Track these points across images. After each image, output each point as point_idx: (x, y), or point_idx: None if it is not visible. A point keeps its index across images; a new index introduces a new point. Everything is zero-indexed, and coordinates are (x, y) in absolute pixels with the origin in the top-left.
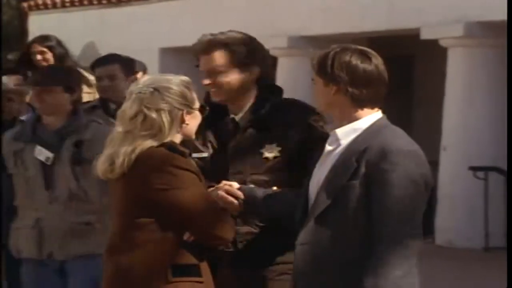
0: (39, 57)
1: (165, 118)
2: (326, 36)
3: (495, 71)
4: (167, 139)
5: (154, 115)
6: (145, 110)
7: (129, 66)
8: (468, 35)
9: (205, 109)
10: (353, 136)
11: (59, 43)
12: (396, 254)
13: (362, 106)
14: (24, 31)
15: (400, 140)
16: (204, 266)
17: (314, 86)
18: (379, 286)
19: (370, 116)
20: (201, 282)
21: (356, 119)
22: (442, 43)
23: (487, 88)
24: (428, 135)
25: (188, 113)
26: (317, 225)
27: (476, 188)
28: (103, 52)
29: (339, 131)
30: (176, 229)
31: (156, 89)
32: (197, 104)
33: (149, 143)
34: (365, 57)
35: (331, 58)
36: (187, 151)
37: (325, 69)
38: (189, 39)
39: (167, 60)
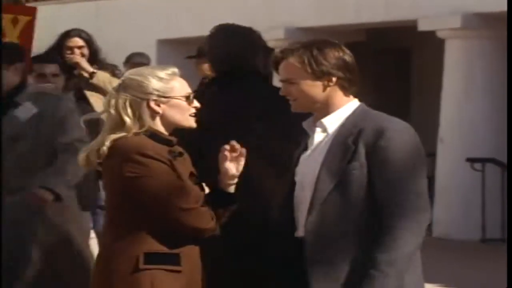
0: (77, 51)
1: (123, 109)
2: (323, 28)
3: (493, 63)
4: (142, 128)
5: (113, 111)
6: (107, 107)
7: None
8: (466, 27)
9: (191, 99)
10: (339, 123)
11: (91, 38)
12: (407, 228)
13: (348, 95)
14: None
15: (391, 119)
16: (188, 255)
17: (293, 87)
18: (392, 260)
19: (351, 103)
20: (178, 271)
21: (338, 107)
22: (440, 34)
23: (485, 80)
24: (425, 127)
25: (161, 102)
26: (323, 211)
27: (473, 179)
28: (99, 44)
29: (326, 121)
30: (151, 217)
31: (123, 81)
32: (175, 93)
33: (120, 133)
34: (340, 47)
35: (317, 54)
36: (172, 139)
37: (313, 67)
38: (186, 31)
39: (164, 52)
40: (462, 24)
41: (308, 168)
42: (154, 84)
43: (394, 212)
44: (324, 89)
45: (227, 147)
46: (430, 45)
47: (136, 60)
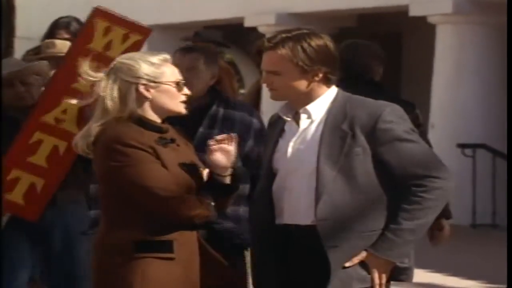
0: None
1: (110, 93)
2: (314, 13)
3: (484, 48)
4: (125, 113)
5: (102, 93)
6: (99, 92)
7: None
8: (457, 12)
9: (181, 85)
10: (323, 109)
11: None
12: (435, 200)
13: (330, 86)
14: (11, 8)
15: (379, 103)
16: (183, 242)
17: (277, 78)
18: (416, 229)
19: (330, 90)
20: (171, 259)
21: (320, 96)
22: (431, 20)
23: (476, 65)
24: None
25: (150, 87)
26: (331, 198)
27: (464, 165)
28: None
29: (311, 108)
30: (137, 205)
31: (114, 65)
32: (166, 79)
33: (105, 120)
34: (326, 39)
35: (307, 49)
36: (162, 126)
37: (303, 62)
38: (178, 17)
39: (154, 38)
40: (453, 10)
41: (301, 157)
42: (144, 68)
43: (423, 184)
44: (310, 83)
45: (212, 141)
46: (421, 30)
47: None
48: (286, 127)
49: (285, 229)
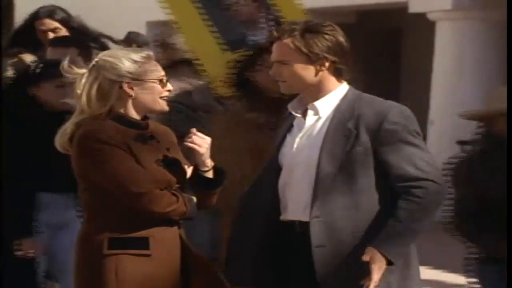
0: (51, 35)
1: (89, 91)
2: (313, 9)
3: (483, 44)
4: (104, 109)
5: (79, 91)
6: (76, 89)
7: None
8: (456, 8)
9: (164, 82)
10: (331, 106)
11: (69, 15)
12: (436, 201)
13: (340, 80)
14: (10, 5)
15: (387, 103)
16: (160, 239)
17: (285, 68)
18: (418, 231)
19: (341, 87)
20: (146, 256)
21: (330, 91)
22: (430, 16)
23: (476, 61)
24: (415, 109)
25: (134, 85)
26: (329, 197)
27: None
28: (90, 25)
29: (319, 104)
30: (112, 201)
31: (96, 62)
32: (149, 76)
33: (80, 118)
34: (336, 30)
35: (313, 37)
36: (141, 122)
37: (307, 50)
38: None
39: (151, 34)
40: (453, 6)
41: (304, 152)
42: (127, 66)
43: (421, 186)
44: (317, 73)
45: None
46: (421, 27)
47: (132, 37)
48: (295, 123)
49: (290, 226)
